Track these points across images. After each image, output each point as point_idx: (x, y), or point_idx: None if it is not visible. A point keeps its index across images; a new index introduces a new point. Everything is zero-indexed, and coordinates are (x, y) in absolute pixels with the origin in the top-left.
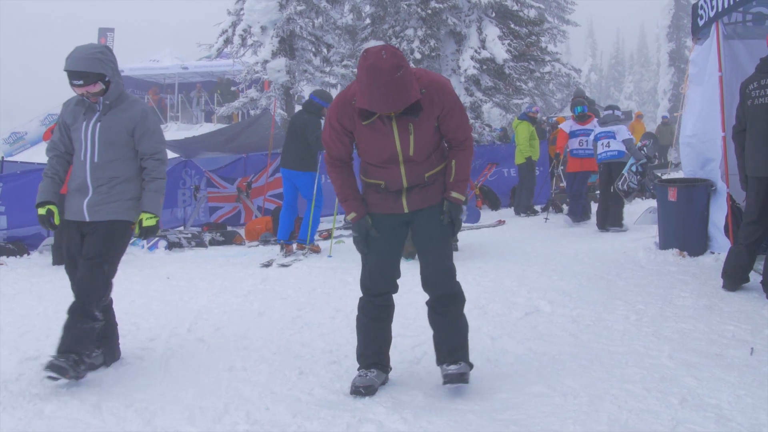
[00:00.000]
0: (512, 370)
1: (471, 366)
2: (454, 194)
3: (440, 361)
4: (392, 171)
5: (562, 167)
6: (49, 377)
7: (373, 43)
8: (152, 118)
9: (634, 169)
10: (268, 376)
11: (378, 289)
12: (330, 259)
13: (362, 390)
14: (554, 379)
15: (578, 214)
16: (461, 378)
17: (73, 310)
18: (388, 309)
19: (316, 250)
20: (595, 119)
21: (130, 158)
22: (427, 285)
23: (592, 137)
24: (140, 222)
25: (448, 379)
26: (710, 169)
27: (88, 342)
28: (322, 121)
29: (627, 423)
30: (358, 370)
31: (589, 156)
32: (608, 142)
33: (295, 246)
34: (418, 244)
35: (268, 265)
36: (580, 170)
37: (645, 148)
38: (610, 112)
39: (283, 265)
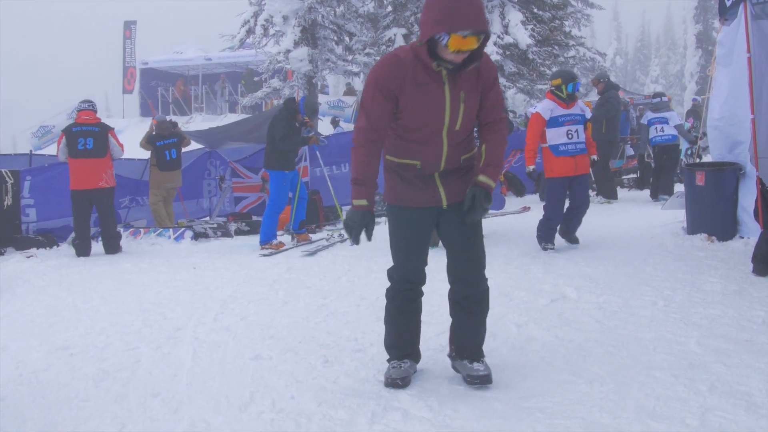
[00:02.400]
0: (538, 358)
1: None
2: (482, 178)
3: (462, 357)
4: (432, 145)
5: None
6: None
7: None
8: None
9: (689, 152)
10: (293, 365)
11: (407, 282)
12: (355, 247)
13: (399, 382)
14: (580, 366)
15: (574, 233)
16: (487, 379)
17: None
18: (417, 300)
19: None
20: (580, 101)
21: None
22: (458, 282)
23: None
24: None
25: (475, 380)
26: (739, 152)
27: None
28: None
29: (654, 410)
30: (390, 361)
31: (582, 152)
32: (662, 127)
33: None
34: (451, 238)
35: (268, 255)
36: (574, 174)
37: (693, 130)
38: (659, 99)
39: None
